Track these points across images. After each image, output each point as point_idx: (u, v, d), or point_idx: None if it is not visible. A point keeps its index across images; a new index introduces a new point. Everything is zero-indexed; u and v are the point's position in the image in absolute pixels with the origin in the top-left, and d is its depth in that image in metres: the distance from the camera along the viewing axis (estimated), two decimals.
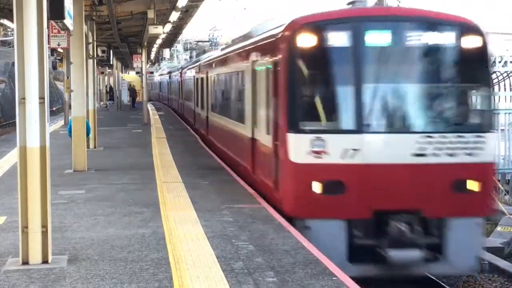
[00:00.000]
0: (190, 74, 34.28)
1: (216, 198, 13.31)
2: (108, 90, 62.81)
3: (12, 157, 19.23)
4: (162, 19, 28.57)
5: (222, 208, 12.32)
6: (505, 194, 20.37)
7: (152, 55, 56.03)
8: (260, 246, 9.48)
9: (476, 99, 11.87)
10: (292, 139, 11.25)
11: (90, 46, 25.30)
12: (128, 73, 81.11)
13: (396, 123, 11.33)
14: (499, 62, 31.75)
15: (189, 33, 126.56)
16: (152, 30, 27.26)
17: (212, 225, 10.81)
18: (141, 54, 40.62)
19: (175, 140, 26.69)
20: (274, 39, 12.56)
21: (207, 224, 10.87)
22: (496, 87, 31.21)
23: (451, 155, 11.07)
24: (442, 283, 12.31)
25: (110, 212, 12.04)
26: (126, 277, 8.06)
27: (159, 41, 42.29)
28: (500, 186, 19.97)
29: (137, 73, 60.62)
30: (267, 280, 7.90)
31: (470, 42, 11.33)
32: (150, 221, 11.22)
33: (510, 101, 28.58)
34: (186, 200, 13.05)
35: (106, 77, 64.59)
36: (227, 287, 7.63)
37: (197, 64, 30.90)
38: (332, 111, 11.34)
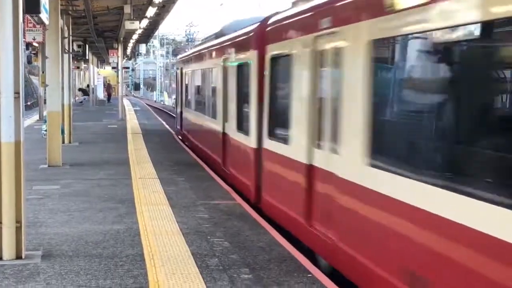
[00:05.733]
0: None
1: (191, 194, 13.30)
2: (85, 87, 62.29)
3: None
4: (139, 14, 28.49)
5: (198, 204, 12.32)
6: None
7: (129, 50, 55.77)
8: (235, 243, 9.49)
9: None
10: None
11: (66, 40, 25.15)
12: (104, 68, 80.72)
13: None
14: None
15: (166, 28, 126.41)
16: (129, 25, 27.21)
17: (187, 221, 10.80)
18: (117, 49, 40.44)
19: (150, 135, 26.62)
20: None
21: (182, 220, 10.86)
22: None
23: None
24: None
25: (85, 208, 11.98)
26: (101, 273, 8.03)
27: (135, 36, 42.13)
28: None
29: (113, 68, 60.23)
30: (242, 276, 7.91)
31: None
32: (125, 217, 11.19)
33: None
34: (161, 196, 13.02)
35: (82, 72, 64.20)
36: (202, 283, 7.63)
37: None
38: None
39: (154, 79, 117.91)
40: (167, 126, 32.49)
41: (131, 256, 8.75)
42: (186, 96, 24.11)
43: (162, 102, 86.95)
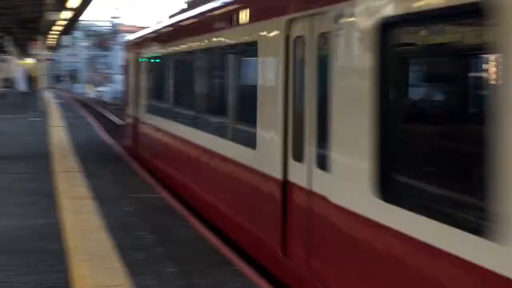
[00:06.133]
0: None
1: (116, 188, 13.16)
2: (6, 79, 61.10)
3: None
4: (61, 5, 28.03)
5: (123, 198, 12.20)
6: None
7: (51, 41, 54.81)
8: (161, 236, 9.44)
9: None
10: None
11: None
12: (25, 60, 79.07)
13: None
14: None
15: (90, 19, 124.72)
16: (50, 15, 26.70)
17: (112, 215, 10.68)
18: (39, 40, 39.67)
19: (74, 128, 26.22)
20: None
21: (107, 214, 10.73)
22: None
23: None
24: None
25: (5, 203, 11.73)
26: (23, 268, 7.88)
27: (58, 28, 41.43)
28: None
29: (37, 60, 59.07)
30: (168, 270, 7.88)
31: None
32: (47, 211, 11.00)
33: None
34: (85, 190, 12.85)
35: (3, 64, 62.82)
36: (127, 278, 7.57)
37: None
38: None
39: (78, 71, 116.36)
40: (90, 120, 32.04)
41: (54, 251, 8.60)
42: (153, 97, 15.96)
43: (85, 95, 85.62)
